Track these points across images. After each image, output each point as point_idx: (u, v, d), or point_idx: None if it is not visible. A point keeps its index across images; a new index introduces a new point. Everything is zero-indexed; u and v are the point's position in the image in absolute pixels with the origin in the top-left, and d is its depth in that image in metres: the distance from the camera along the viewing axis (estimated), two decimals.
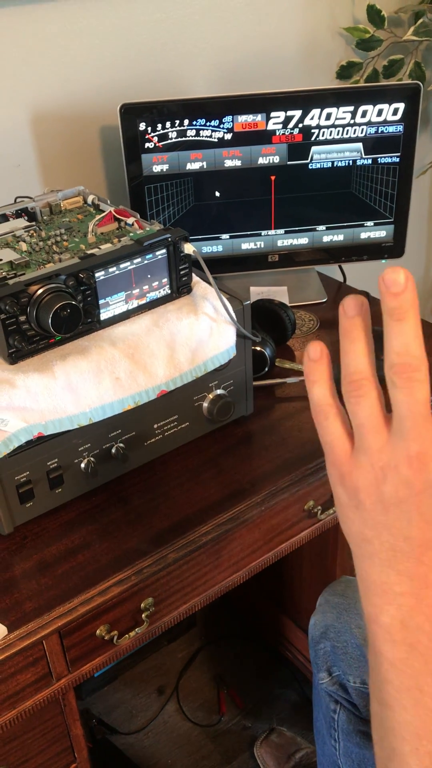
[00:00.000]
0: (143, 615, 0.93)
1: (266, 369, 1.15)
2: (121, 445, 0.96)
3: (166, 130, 1.23)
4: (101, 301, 0.90)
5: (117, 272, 0.90)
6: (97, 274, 0.88)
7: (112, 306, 0.92)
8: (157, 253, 0.93)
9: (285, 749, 1.44)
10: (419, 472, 0.43)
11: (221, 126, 1.25)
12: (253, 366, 1.07)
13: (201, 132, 1.25)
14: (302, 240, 1.39)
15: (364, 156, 1.33)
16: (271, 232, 1.37)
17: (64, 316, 0.85)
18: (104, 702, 1.59)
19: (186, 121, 1.23)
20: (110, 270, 0.90)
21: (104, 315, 0.92)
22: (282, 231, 1.37)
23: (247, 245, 1.38)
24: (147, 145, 1.24)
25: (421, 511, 0.44)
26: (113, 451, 0.95)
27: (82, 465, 0.94)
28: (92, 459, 0.94)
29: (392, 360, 0.41)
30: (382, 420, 0.44)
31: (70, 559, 0.90)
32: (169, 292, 0.97)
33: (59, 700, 0.93)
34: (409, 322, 0.41)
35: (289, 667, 1.62)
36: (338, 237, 1.40)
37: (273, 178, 1.32)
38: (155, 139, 1.23)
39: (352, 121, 1.29)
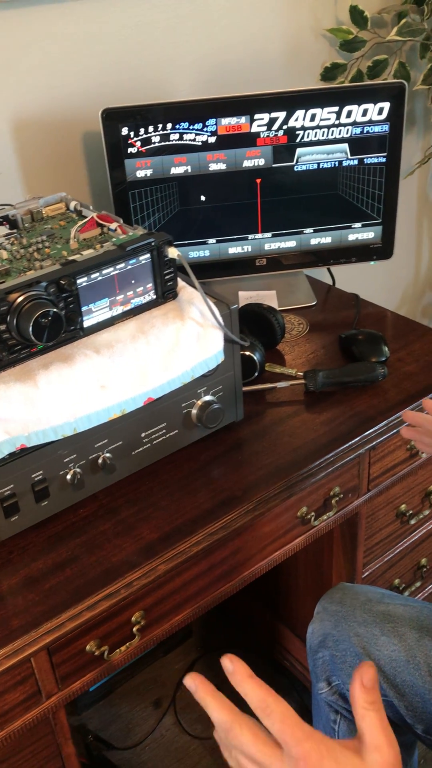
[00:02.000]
0: (134, 629, 0.91)
1: (256, 374, 1.14)
2: (108, 455, 0.94)
3: (149, 135, 1.22)
4: (84, 308, 0.88)
5: (100, 278, 0.88)
6: (79, 281, 0.86)
7: (95, 313, 0.90)
8: (141, 258, 0.91)
9: None
10: None
11: (205, 129, 1.23)
12: (242, 371, 1.05)
13: (184, 135, 1.23)
14: (290, 243, 1.37)
15: (350, 157, 1.31)
16: (258, 235, 1.35)
17: (44, 323, 0.82)
18: (100, 717, 1.57)
19: (169, 125, 1.22)
20: (93, 276, 0.88)
21: (88, 322, 0.90)
22: (269, 234, 1.36)
23: (235, 249, 1.36)
24: (130, 150, 1.22)
25: None
26: (100, 461, 0.93)
27: (68, 476, 0.91)
28: (78, 470, 0.92)
29: None
30: None
31: (58, 573, 0.88)
32: (154, 297, 0.95)
33: (49, 719, 0.90)
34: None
35: (287, 676, 1.59)
36: (326, 239, 1.38)
37: (258, 181, 1.30)
38: (138, 143, 1.22)
39: (337, 122, 1.28)
